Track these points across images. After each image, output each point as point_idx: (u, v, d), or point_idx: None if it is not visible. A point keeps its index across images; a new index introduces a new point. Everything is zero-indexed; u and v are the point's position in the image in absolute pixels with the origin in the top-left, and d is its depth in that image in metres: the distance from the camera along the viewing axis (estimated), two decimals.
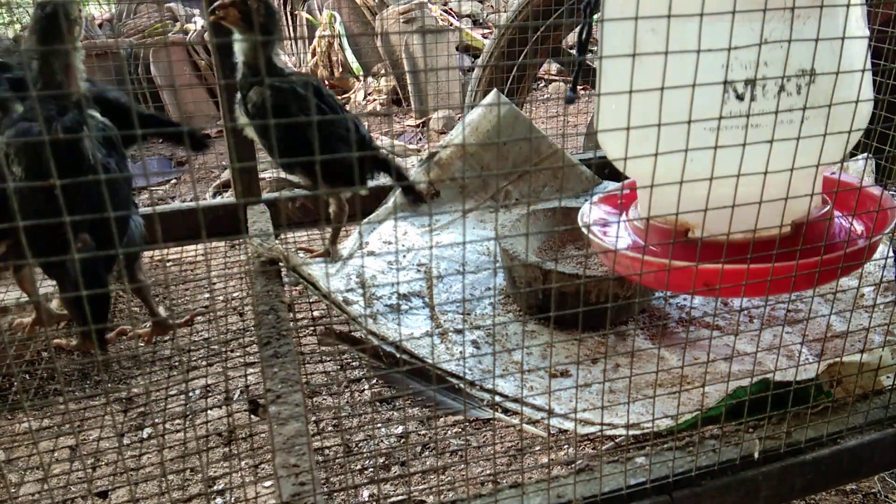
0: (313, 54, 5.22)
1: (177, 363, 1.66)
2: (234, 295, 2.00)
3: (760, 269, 1.01)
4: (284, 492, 0.80)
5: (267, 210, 1.87)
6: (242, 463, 1.42)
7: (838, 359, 1.02)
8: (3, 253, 1.47)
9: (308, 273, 1.42)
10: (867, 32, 1.12)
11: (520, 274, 1.52)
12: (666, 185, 0.81)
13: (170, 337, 1.66)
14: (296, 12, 5.68)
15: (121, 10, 5.45)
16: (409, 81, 4.72)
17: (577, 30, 1.25)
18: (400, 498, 1.28)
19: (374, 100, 5.02)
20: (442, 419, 1.47)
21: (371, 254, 1.80)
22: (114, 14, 5.56)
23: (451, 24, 5.42)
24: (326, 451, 1.40)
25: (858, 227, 1.33)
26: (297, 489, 0.81)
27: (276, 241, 1.69)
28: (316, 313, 1.67)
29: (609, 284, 1.41)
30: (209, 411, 1.53)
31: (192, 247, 2.07)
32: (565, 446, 1.38)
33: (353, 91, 5.25)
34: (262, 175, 2.87)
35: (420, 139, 4.40)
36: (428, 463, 1.41)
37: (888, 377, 1.03)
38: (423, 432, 1.48)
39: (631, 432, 1.09)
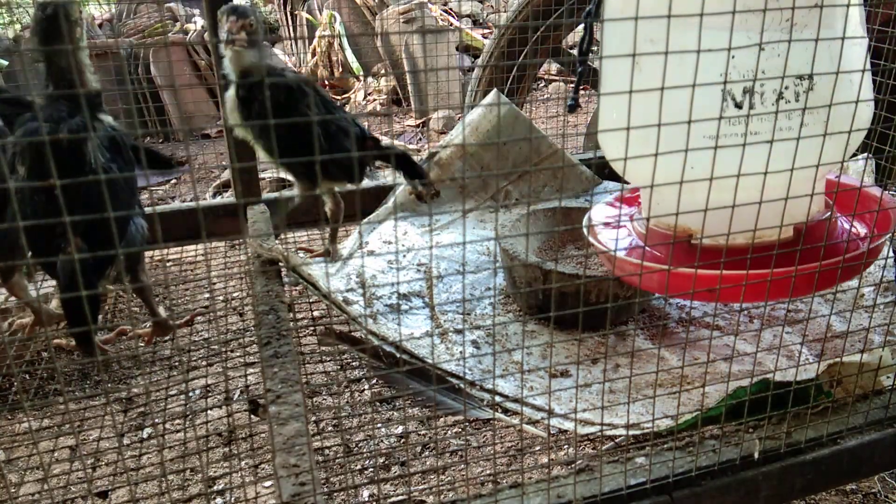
0: (313, 54, 5.22)
1: (177, 363, 1.67)
2: (234, 295, 2.00)
3: (762, 274, 1.01)
4: (284, 492, 0.80)
5: (267, 210, 1.87)
6: (242, 463, 1.42)
7: (838, 359, 1.02)
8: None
9: (308, 273, 1.42)
10: (866, 38, 1.12)
11: (520, 274, 1.52)
12: (666, 185, 0.81)
13: (170, 337, 1.66)
14: (296, 12, 5.69)
15: (121, 10, 5.46)
16: (409, 81, 4.72)
17: (579, 40, 1.26)
18: (400, 498, 1.28)
19: (374, 100, 5.02)
20: (442, 419, 1.47)
21: (371, 253, 1.80)
22: (114, 14, 5.56)
23: (451, 24, 5.42)
24: (326, 451, 1.40)
25: (861, 230, 1.33)
26: (297, 489, 0.81)
27: (276, 241, 1.69)
28: (316, 313, 1.67)
29: (609, 285, 1.41)
30: (209, 411, 1.53)
31: (192, 247, 2.07)
32: (565, 446, 1.38)
33: (353, 91, 5.25)
34: (261, 175, 2.87)
35: (420, 139, 4.40)
36: (428, 463, 1.41)
37: (888, 377, 1.03)
38: (423, 432, 1.48)
39: (631, 432, 1.09)
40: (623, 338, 1.46)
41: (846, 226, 1.31)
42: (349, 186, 1.75)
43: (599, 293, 1.43)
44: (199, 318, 1.82)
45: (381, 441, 1.45)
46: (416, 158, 1.76)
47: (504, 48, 2.66)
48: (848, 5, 0.95)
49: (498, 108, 2.02)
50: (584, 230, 1.42)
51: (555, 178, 2.11)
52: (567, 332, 1.47)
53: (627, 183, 1.38)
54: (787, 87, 1.05)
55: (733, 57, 0.99)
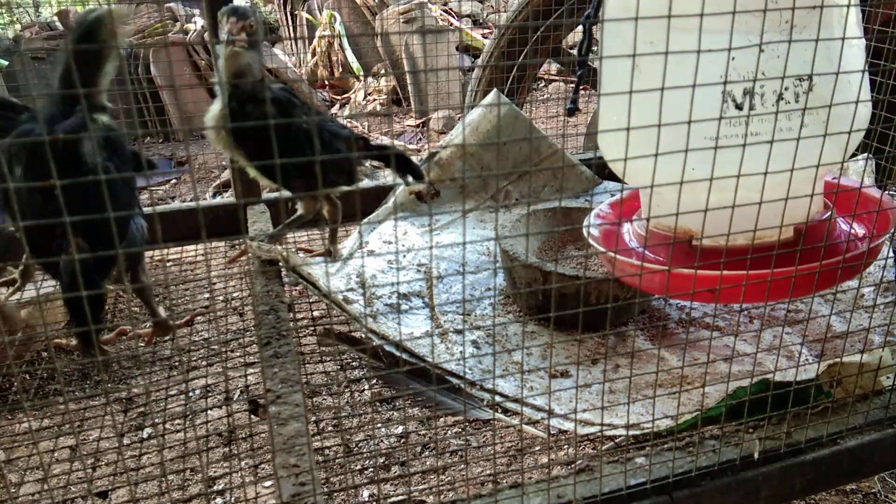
0: (313, 54, 5.22)
1: (177, 363, 1.67)
2: (234, 295, 2.00)
3: (762, 274, 1.02)
4: (284, 492, 0.81)
5: (267, 210, 1.87)
6: (242, 463, 1.42)
7: (838, 359, 1.02)
8: None
9: (308, 273, 1.42)
10: (863, 39, 1.13)
11: (520, 275, 1.52)
12: (666, 186, 0.81)
13: (170, 337, 1.66)
14: (296, 12, 5.69)
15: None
16: (409, 81, 4.72)
17: (579, 42, 1.26)
18: (400, 498, 1.28)
19: (374, 100, 5.02)
20: (442, 419, 1.47)
21: (371, 253, 1.80)
22: None
23: (451, 24, 5.42)
24: (326, 451, 1.40)
25: (860, 231, 1.33)
26: (297, 489, 0.81)
27: (276, 242, 1.69)
28: (316, 313, 1.67)
29: (609, 285, 1.41)
30: (209, 411, 1.53)
31: (192, 247, 2.07)
32: (565, 446, 1.38)
33: (353, 91, 5.25)
34: None
35: (420, 139, 4.40)
36: (428, 463, 1.41)
37: (888, 377, 1.03)
38: (423, 432, 1.48)
39: (631, 432, 1.09)
40: (623, 338, 1.46)
41: (845, 227, 1.32)
42: (345, 188, 1.74)
43: (599, 294, 1.43)
44: (199, 318, 1.82)
45: (381, 441, 1.45)
46: (415, 158, 1.75)
47: (504, 48, 2.66)
48: (848, 6, 0.95)
49: (498, 108, 2.02)
50: (584, 231, 1.42)
51: (555, 179, 2.11)
52: (567, 333, 1.47)
53: (626, 184, 1.38)
54: (786, 88, 1.05)
55: (733, 58, 0.99)
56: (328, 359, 1.55)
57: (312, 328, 1.59)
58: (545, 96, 4.81)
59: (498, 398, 1.26)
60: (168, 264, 2.05)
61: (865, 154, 1.67)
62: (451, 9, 5.85)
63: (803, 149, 0.85)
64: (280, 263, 1.45)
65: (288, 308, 1.34)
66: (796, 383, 0.93)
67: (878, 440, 0.96)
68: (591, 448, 1.30)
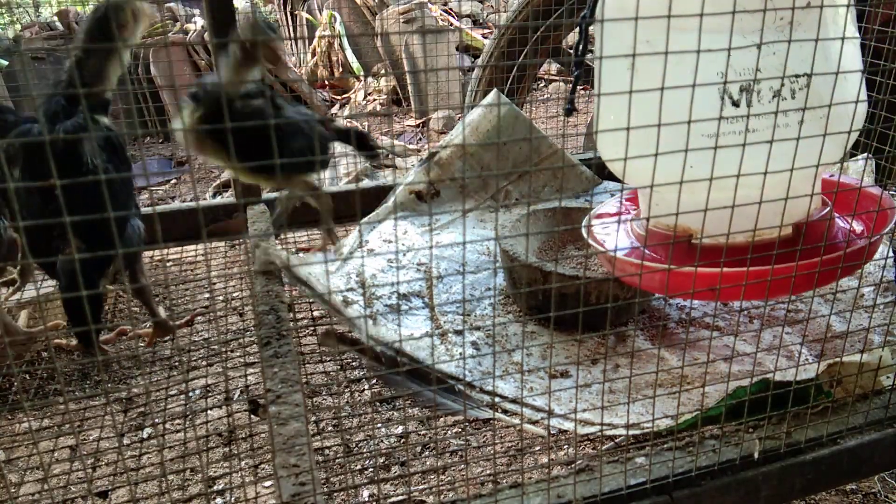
0: (313, 54, 5.22)
1: (177, 363, 1.67)
2: (234, 295, 2.00)
3: (761, 271, 1.02)
4: (284, 492, 0.81)
5: (267, 210, 1.87)
6: (242, 463, 1.42)
7: (838, 359, 1.02)
8: None
9: (306, 277, 1.41)
10: (857, 36, 1.13)
11: (520, 275, 1.52)
12: (665, 185, 0.81)
13: (170, 337, 1.66)
14: (296, 12, 5.69)
15: None
16: (409, 81, 4.72)
17: (575, 44, 1.26)
18: (400, 498, 1.28)
19: (374, 100, 5.02)
20: (442, 419, 1.47)
21: (371, 252, 1.80)
22: None
23: (451, 24, 5.42)
24: (326, 451, 1.40)
25: (858, 228, 1.33)
26: (297, 489, 0.81)
27: (276, 242, 1.69)
28: (316, 313, 1.67)
29: (609, 286, 1.41)
30: (209, 411, 1.53)
31: (192, 247, 2.07)
32: (565, 446, 1.38)
33: (353, 91, 5.25)
34: None
35: (420, 139, 4.40)
36: (428, 463, 1.41)
37: (888, 377, 1.03)
38: (423, 432, 1.48)
39: (631, 432, 1.09)
40: (623, 338, 1.46)
41: (844, 224, 1.32)
42: (325, 175, 1.73)
43: (599, 294, 1.43)
44: (199, 318, 1.82)
45: (381, 441, 1.45)
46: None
47: (504, 48, 2.66)
48: (848, 6, 0.95)
49: (498, 108, 2.02)
50: (584, 232, 1.42)
51: (555, 178, 2.11)
52: (567, 333, 1.47)
53: (625, 184, 1.38)
54: (783, 85, 1.06)
55: (727, 56, 0.99)
56: (328, 359, 1.55)
57: (312, 328, 1.59)
58: (545, 96, 4.80)
59: (498, 399, 1.26)
60: (168, 264, 2.05)
61: (865, 154, 1.67)
62: (451, 9, 5.85)
63: (800, 145, 0.85)
64: (279, 266, 1.44)
65: (288, 308, 1.34)
66: (796, 383, 0.93)
67: (878, 440, 0.96)
68: (591, 448, 1.30)
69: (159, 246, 1.87)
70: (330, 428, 1.49)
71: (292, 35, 5.65)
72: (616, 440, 1.18)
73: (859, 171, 1.63)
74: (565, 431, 1.23)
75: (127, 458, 1.37)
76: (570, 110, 1.28)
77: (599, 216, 1.53)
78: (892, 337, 1.34)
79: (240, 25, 1.42)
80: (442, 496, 0.88)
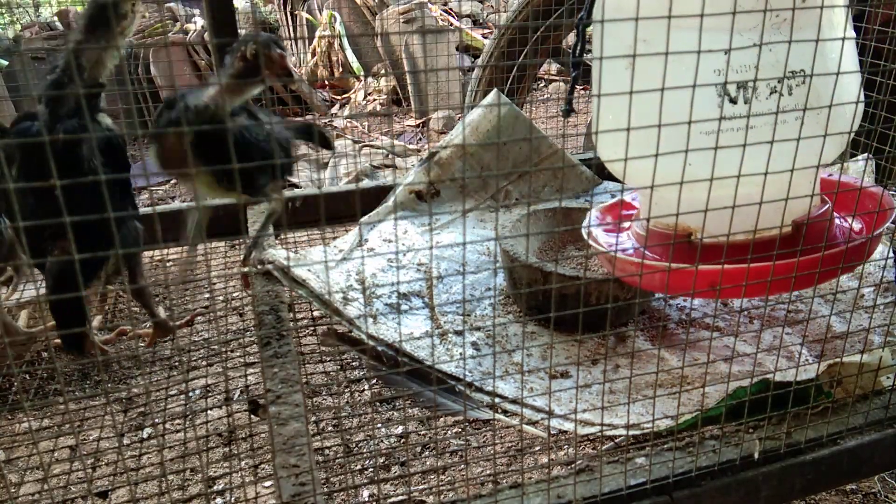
0: (313, 54, 5.22)
1: (177, 363, 1.67)
2: (234, 295, 2.00)
3: (762, 267, 1.02)
4: (284, 492, 0.81)
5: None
6: (242, 463, 1.42)
7: (838, 359, 1.02)
8: None
9: (304, 279, 1.41)
10: (853, 34, 1.13)
11: (520, 275, 1.52)
12: (664, 185, 0.81)
13: (170, 337, 1.66)
14: (296, 12, 5.68)
15: None
16: (409, 81, 4.72)
17: (573, 45, 1.26)
18: (400, 498, 1.28)
19: (374, 100, 5.02)
20: (442, 419, 1.47)
21: (371, 251, 1.80)
22: None
23: (451, 24, 5.42)
24: (326, 451, 1.40)
25: (857, 226, 1.33)
26: (297, 489, 0.81)
27: (276, 242, 1.68)
28: (316, 313, 1.67)
29: (609, 286, 1.41)
30: (209, 411, 1.53)
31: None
32: (565, 447, 1.38)
33: (353, 91, 5.25)
34: None
35: (420, 139, 4.40)
36: (428, 463, 1.41)
37: (888, 377, 1.03)
38: (423, 432, 1.48)
39: (631, 433, 1.09)
40: (623, 339, 1.46)
41: (844, 222, 1.32)
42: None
43: (600, 295, 1.43)
44: (199, 318, 1.82)
45: (381, 441, 1.45)
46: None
47: (504, 48, 2.66)
48: (848, 6, 0.95)
49: (498, 108, 2.02)
50: (584, 232, 1.42)
51: (555, 179, 2.10)
52: (567, 334, 1.47)
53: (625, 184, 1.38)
54: (779, 82, 1.06)
55: (725, 53, 1.00)
56: (328, 359, 1.55)
57: (312, 328, 1.59)
58: (545, 96, 4.81)
59: (498, 400, 1.26)
60: (168, 264, 2.05)
61: (865, 154, 1.67)
62: (451, 9, 5.85)
63: (794, 138, 0.85)
64: (275, 270, 1.44)
65: (288, 308, 1.34)
66: (796, 383, 0.93)
67: (878, 440, 0.96)
68: (591, 448, 1.30)
69: (159, 246, 1.87)
70: (330, 428, 1.49)
71: (292, 35, 5.65)
72: (616, 440, 1.18)
73: (859, 172, 1.63)
74: (565, 432, 1.23)
75: (127, 458, 1.37)
76: (569, 111, 1.28)
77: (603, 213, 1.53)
78: (892, 337, 1.34)
79: (241, 40, 1.38)
80: (442, 496, 0.88)
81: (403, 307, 1.58)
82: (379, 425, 1.48)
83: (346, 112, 4.96)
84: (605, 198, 1.69)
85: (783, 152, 0.85)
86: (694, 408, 1.10)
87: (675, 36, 0.71)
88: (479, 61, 4.05)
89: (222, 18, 1.78)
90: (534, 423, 1.23)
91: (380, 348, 1.36)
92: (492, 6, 6.30)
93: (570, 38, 3.48)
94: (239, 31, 1.89)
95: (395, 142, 4.00)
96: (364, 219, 1.91)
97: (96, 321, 1.83)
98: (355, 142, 4.06)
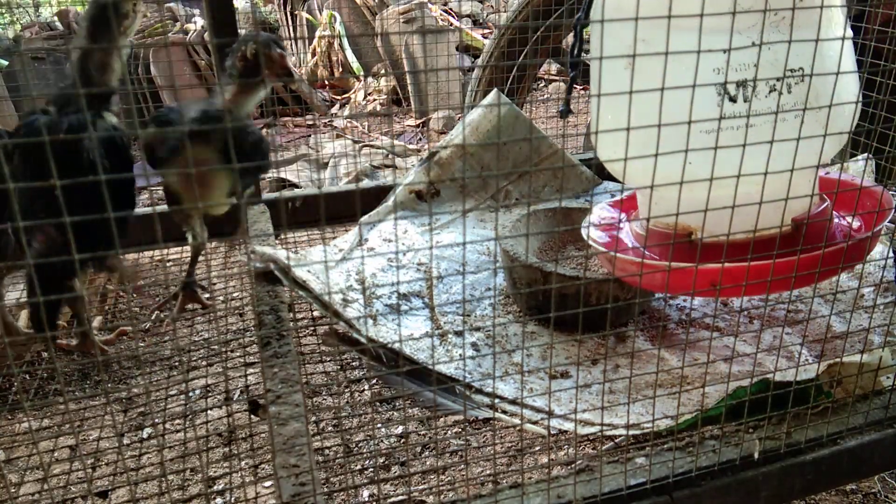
0: (313, 54, 5.22)
1: (177, 363, 1.67)
2: (234, 295, 2.00)
3: (762, 266, 1.02)
4: (284, 492, 0.81)
5: (267, 210, 1.87)
6: (242, 463, 1.42)
7: (838, 359, 1.02)
8: None
9: (304, 280, 1.41)
10: (850, 34, 1.13)
11: (520, 275, 1.52)
12: (664, 185, 0.81)
13: (170, 337, 1.66)
14: (296, 12, 5.68)
15: None
16: (409, 81, 4.72)
17: (570, 46, 1.26)
18: (400, 498, 1.28)
19: (374, 100, 5.02)
20: (442, 419, 1.47)
21: (371, 251, 1.80)
22: None
23: (451, 24, 5.42)
24: (326, 451, 1.40)
25: (857, 225, 1.33)
26: (297, 489, 0.81)
27: (277, 242, 1.69)
28: (316, 313, 1.67)
29: (610, 286, 1.41)
30: (209, 411, 1.53)
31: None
32: (565, 446, 1.38)
33: (353, 91, 5.25)
34: (262, 175, 2.87)
35: (420, 139, 4.40)
36: (428, 463, 1.41)
37: (888, 377, 1.03)
38: (423, 432, 1.48)
39: (631, 433, 1.09)
40: (623, 339, 1.46)
41: (843, 221, 1.32)
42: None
43: (600, 295, 1.43)
44: (199, 318, 1.82)
45: (381, 441, 1.45)
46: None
47: (504, 48, 2.66)
48: (846, 6, 0.95)
49: (498, 108, 2.02)
50: (583, 232, 1.42)
51: (555, 179, 2.11)
52: (567, 334, 1.47)
53: (625, 184, 1.38)
54: (778, 80, 1.06)
55: (724, 52, 1.00)
56: (328, 359, 1.55)
57: (312, 328, 1.59)
58: (545, 96, 4.81)
59: (497, 401, 1.26)
60: (168, 264, 2.04)
61: (865, 154, 1.67)
62: (451, 9, 5.85)
63: (794, 134, 0.85)
64: (277, 270, 1.44)
65: (288, 308, 1.34)
66: (796, 383, 0.93)
67: (878, 440, 0.96)
68: (591, 448, 1.30)
69: (159, 246, 1.87)
70: (330, 428, 1.49)
71: (292, 35, 5.65)
72: (616, 440, 1.18)
73: (859, 172, 1.63)
74: (565, 432, 1.23)
75: (127, 458, 1.37)
76: (566, 112, 1.28)
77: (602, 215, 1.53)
78: (892, 337, 1.34)
79: (241, 39, 1.38)
80: (442, 496, 0.88)
81: (403, 307, 1.58)
82: (379, 425, 1.48)
83: (346, 112, 4.96)
84: (605, 198, 1.69)
85: (782, 150, 0.85)
86: (694, 408, 1.10)
87: (674, 35, 0.71)
88: (479, 61, 4.05)
89: (222, 18, 1.79)
90: (534, 423, 1.23)
91: (379, 350, 1.36)
92: (492, 6, 6.30)
93: (570, 39, 3.48)
94: (239, 31, 1.89)
95: (395, 142, 4.00)
96: (364, 218, 1.91)
97: (97, 321, 1.83)
98: (355, 142, 4.06)
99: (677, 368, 1.26)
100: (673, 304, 1.57)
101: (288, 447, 0.88)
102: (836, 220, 1.29)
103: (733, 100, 1.07)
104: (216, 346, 1.74)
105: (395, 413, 1.52)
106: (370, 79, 5.09)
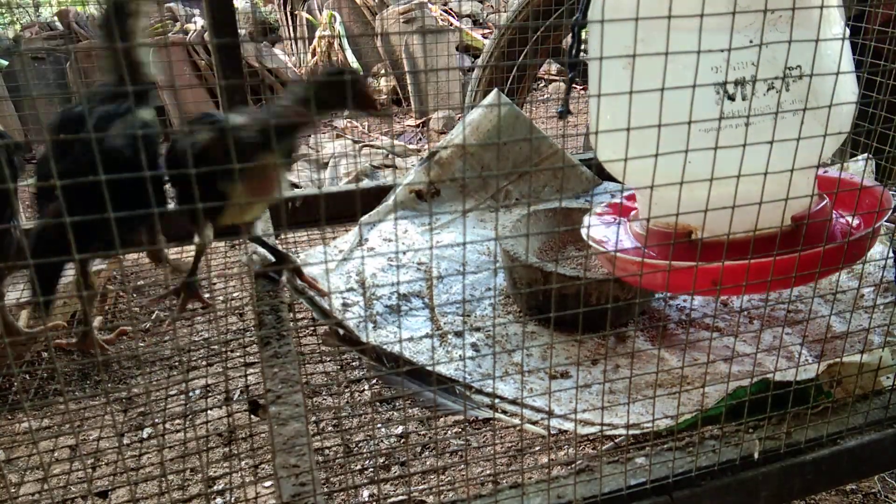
0: (313, 54, 5.22)
1: (177, 363, 1.66)
2: (234, 295, 2.00)
3: (763, 262, 1.02)
4: (284, 492, 0.81)
5: (267, 210, 1.86)
6: (242, 463, 1.42)
7: (838, 359, 1.02)
8: None
9: (310, 297, 1.41)
10: (847, 33, 1.14)
11: (520, 275, 1.52)
12: (664, 185, 0.81)
13: (170, 337, 1.66)
14: (296, 12, 5.68)
15: None
16: (409, 81, 4.72)
17: (568, 47, 1.26)
18: (400, 498, 1.28)
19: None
20: (442, 419, 1.47)
21: (371, 251, 1.80)
22: None
23: (451, 24, 5.42)
24: (326, 451, 1.40)
25: (856, 223, 1.33)
26: (298, 489, 0.81)
27: (276, 242, 1.68)
28: None
29: (610, 286, 1.41)
30: (209, 411, 1.53)
31: (192, 247, 2.07)
32: (565, 447, 1.38)
33: None
34: None
35: (420, 139, 4.40)
36: (428, 463, 1.41)
37: (888, 377, 1.03)
38: (423, 432, 1.48)
39: (631, 433, 1.09)
40: (623, 339, 1.46)
41: (842, 218, 1.32)
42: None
43: (600, 295, 1.43)
44: (199, 318, 1.82)
45: (381, 441, 1.45)
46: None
47: (504, 48, 2.66)
48: (843, 6, 0.95)
49: (498, 108, 2.02)
50: (583, 232, 1.42)
51: (555, 179, 2.11)
52: (567, 334, 1.47)
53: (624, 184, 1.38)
54: (777, 78, 1.07)
55: (722, 51, 1.00)
56: (328, 359, 1.55)
57: (312, 328, 1.59)
58: (545, 96, 4.80)
59: (497, 401, 1.26)
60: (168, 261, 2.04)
61: (865, 154, 1.66)
62: (451, 9, 5.85)
63: (790, 133, 0.85)
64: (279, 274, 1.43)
65: (288, 308, 1.34)
66: (796, 383, 0.93)
67: (878, 440, 0.96)
68: (591, 448, 1.30)
69: (159, 246, 1.87)
70: (330, 428, 1.49)
71: (292, 35, 5.65)
72: (616, 440, 1.18)
73: (859, 171, 1.63)
74: (565, 432, 1.23)
75: (127, 458, 1.37)
76: (565, 112, 1.28)
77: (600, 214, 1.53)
78: (892, 337, 1.34)
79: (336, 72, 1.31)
80: (442, 496, 0.88)
81: (403, 308, 1.58)
82: (379, 425, 1.48)
83: (346, 112, 4.96)
84: (605, 198, 1.69)
85: (781, 147, 0.85)
86: (694, 408, 1.10)
87: (673, 35, 0.71)
88: (479, 61, 4.05)
89: (222, 18, 1.79)
90: (534, 423, 1.23)
91: (378, 354, 1.36)
92: (492, 6, 6.30)
93: (570, 39, 3.48)
94: (239, 30, 1.89)
95: (395, 142, 4.00)
96: (364, 218, 1.91)
97: (97, 321, 1.83)
98: (355, 142, 4.06)
99: (677, 368, 1.26)
100: (673, 304, 1.57)
101: (288, 447, 0.88)
102: (835, 219, 1.29)
103: (732, 98, 1.07)
104: (216, 346, 1.74)
105: (395, 413, 1.52)
106: (370, 79, 5.08)
